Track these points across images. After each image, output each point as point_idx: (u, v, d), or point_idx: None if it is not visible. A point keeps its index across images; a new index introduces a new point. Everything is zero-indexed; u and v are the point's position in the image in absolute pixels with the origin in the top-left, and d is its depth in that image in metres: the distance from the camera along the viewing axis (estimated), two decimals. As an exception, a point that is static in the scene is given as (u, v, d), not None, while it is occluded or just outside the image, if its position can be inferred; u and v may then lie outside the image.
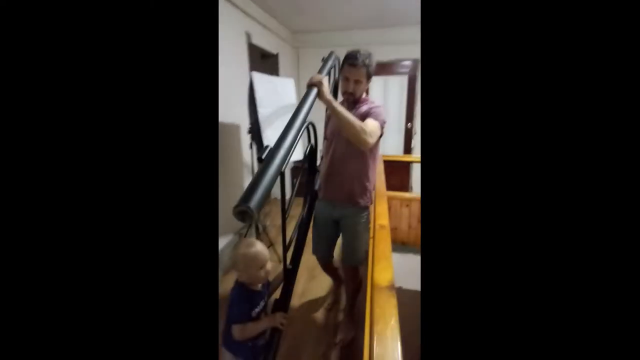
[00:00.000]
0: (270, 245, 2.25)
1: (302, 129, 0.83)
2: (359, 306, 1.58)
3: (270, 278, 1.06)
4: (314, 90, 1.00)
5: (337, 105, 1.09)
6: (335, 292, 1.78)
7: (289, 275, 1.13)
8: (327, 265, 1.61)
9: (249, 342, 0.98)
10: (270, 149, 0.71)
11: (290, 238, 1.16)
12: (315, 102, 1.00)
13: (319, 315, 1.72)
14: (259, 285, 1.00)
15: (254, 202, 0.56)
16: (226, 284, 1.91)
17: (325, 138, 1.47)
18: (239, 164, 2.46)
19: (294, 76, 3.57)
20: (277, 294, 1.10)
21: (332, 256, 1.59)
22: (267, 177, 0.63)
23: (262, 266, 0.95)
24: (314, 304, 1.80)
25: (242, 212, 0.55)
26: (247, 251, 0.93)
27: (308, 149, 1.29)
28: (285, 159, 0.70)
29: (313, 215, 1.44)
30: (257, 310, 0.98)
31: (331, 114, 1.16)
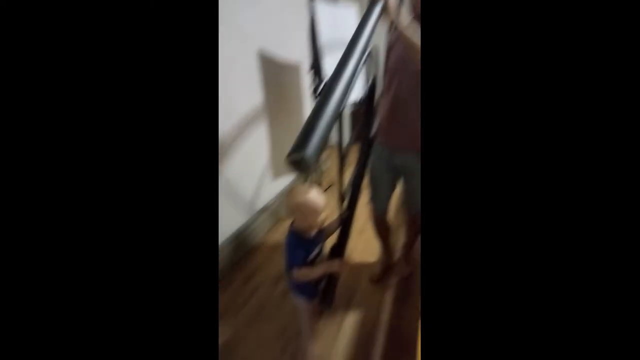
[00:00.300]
0: (327, 187, 2.23)
1: (365, 55, 0.67)
2: (416, 247, 1.55)
3: (326, 224, 1.03)
4: (378, 5, 0.79)
5: (406, 26, 0.87)
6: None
7: (346, 222, 1.09)
8: (381, 218, 1.46)
9: (310, 283, 1.00)
10: (326, 82, 0.59)
11: (347, 184, 1.09)
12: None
13: (376, 252, 1.70)
14: (313, 232, 0.97)
15: (309, 149, 0.47)
16: (282, 230, 2.01)
17: (385, 71, 1.25)
18: (299, 106, 2.29)
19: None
20: (333, 239, 1.08)
21: (388, 208, 1.46)
22: (324, 117, 0.52)
23: (318, 215, 0.91)
24: (371, 241, 1.77)
25: (297, 161, 0.47)
26: (302, 199, 0.89)
27: (369, 83, 1.12)
28: (345, 93, 0.57)
29: (370, 161, 1.33)
30: (312, 255, 0.97)
31: (396, 39, 0.94)
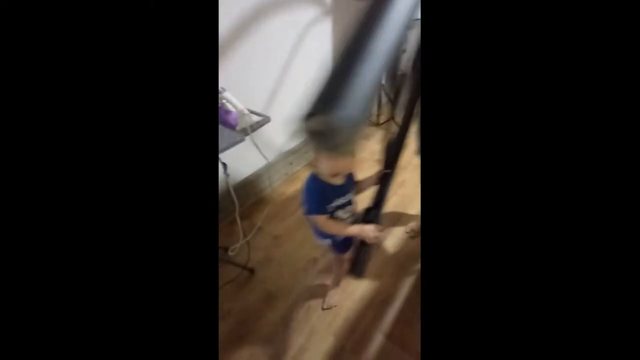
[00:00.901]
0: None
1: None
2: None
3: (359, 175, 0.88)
4: None
5: None
6: None
7: (384, 182, 0.91)
8: None
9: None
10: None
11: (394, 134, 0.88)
12: None
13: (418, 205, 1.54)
14: (340, 180, 0.82)
15: (343, 111, 0.27)
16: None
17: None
18: None
19: None
20: (367, 200, 0.93)
21: None
22: (373, 53, 0.31)
23: (348, 160, 0.76)
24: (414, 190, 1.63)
25: (320, 131, 0.28)
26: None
27: None
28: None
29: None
30: (334, 205, 0.84)
31: None
